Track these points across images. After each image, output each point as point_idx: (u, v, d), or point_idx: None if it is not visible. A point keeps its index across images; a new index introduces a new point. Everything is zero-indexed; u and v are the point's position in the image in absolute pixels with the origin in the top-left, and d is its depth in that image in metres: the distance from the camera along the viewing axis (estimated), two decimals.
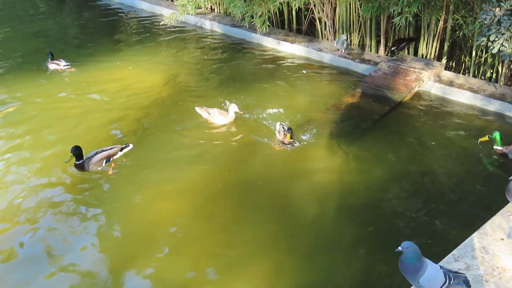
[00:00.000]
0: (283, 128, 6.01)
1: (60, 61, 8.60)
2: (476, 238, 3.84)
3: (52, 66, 8.55)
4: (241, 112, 6.54)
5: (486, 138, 5.58)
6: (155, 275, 4.15)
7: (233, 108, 6.47)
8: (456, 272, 3.26)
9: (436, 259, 3.69)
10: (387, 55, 8.63)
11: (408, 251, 3.17)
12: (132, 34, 10.58)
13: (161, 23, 10.35)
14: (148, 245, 4.50)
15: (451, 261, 3.61)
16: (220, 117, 6.53)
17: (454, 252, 3.71)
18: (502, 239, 3.82)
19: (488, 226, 3.95)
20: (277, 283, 4.07)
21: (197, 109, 6.69)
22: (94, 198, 5.16)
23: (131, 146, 5.87)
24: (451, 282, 3.19)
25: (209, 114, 6.57)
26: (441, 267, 3.23)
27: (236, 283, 4.09)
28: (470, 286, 3.24)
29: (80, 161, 5.45)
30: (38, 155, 5.90)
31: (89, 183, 5.42)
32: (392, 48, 8.15)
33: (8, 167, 5.64)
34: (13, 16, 12.28)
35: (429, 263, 3.19)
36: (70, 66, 8.59)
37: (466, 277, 3.25)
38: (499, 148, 5.49)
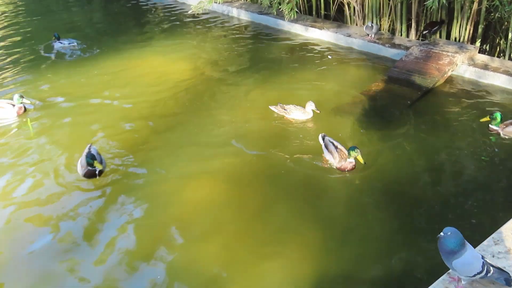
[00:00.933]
0: (333, 144, 5.33)
1: (66, 40, 9.14)
2: None
3: (57, 45, 9.11)
4: (318, 111, 6.18)
5: (487, 118, 5.73)
6: (186, 261, 4.20)
7: (310, 105, 6.23)
8: (499, 268, 3.16)
9: (475, 242, 3.64)
10: (418, 39, 8.46)
11: (450, 236, 3.11)
12: (160, 24, 10.67)
13: (188, 12, 10.41)
14: (180, 231, 4.56)
15: (491, 245, 3.55)
16: (298, 112, 6.26)
17: (493, 235, 3.64)
18: None
19: None
20: (308, 269, 4.07)
21: (272, 107, 6.46)
22: (126, 184, 5.25)
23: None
24: (488, 275, 3.11)
25: (285, 110, 6.33)
26: (483, 257, 3.14)
27: (266, 268, 4.12)
28: (511, 285, 3.13)
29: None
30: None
31: (119, 171, 5.52)
32: (424, 32, 7.99)
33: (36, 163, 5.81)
34: (42, 9, 12.56)
35: (470, 249, 3.13)
36: (75, 44, 9.10)
37: (510, 275, 3.14)
38: (495, 128, 5.65)
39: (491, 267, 3.12)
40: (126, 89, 7.50)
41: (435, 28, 7.92)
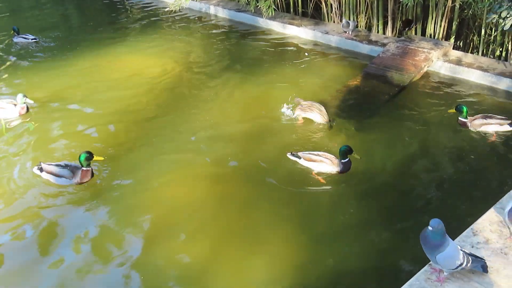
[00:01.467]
0: (313, 154, 5.20)
1: (27, 35, 9.07)
2: (493, 212, 3.86)
3: (18, 39, 9.06)
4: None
5: (453, 110, 5.89)
6: (171, 260, 4.17)
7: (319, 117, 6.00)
8: (476, 256, 3.23)
9: (454, 233, 3.73)
10: (394, 36, 8.58)
11: (437, 228, 3.12)
12: (136, 22, 10.52)
13: (165, 10, 10.31)
14: (163, 232, 4.50)
15: (469, 235, 3.64)
16: (316, 115, 6.04)
17: (472, 226, 3.73)
18: None
19: (505, 200, 3.98)
20: (292, 264, 4.10)
21: (284, 107, 6.30)
22: (104, 187, 5.15)
23: None
24: (468, 265, 3.17)
25: (301, 106, 6.10)
26: (461, 248, 3.19)
27: (251, 264, 4.12)
28: (488, 271, 3.23)
29: None
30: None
31: (104, 171, 5.44)
32: (402, 30, 8.14)
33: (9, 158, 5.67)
34: (14, 6, 12.23)
35: (450, 241, 3.17)
36: (37, 40, 9.06)
37: (485, 262, 3.23)
38: (463, 120, 5.81)
39: (469, 256, 3.19)
40: (98, 89, 7.33)
41: (410, 26, 8.06)
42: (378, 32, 8.76)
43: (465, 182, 5.00)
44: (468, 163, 5.31)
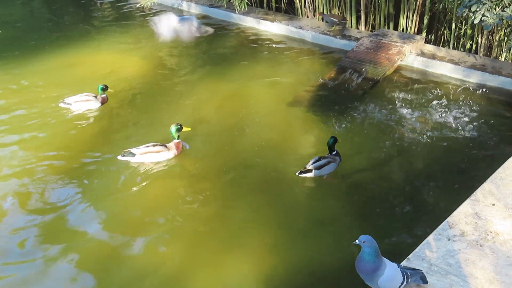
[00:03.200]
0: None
1: None
2: (468, 205, 3.90)
3: None
4: None
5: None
6: (146, 263, 4.08)
7: None
8: (413, 269, 3.11)
9: (431, 227, 3.76)
10: (368, 30, 8.62)
11: (365, 245, 2.95)
12: (106, 19, 10.26)
13: (136, 6, 10.09)
14: (137, 236, 4.40)
15: (446, 228, 3.67)
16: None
17: (448, 219, 3.76)
18: (493, 205, 3.89)
19: (479, 192, 4.02)
20: (271, 262, 4.06)
21: None
22: (77, 193, 5.01)
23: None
24: (409, 281, 3.03)
25: None
26: (398, 265, 3.05)
27: (229, 263, 4.07)
28: (427, 282, 3.12)
29: None
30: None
31: (78, 170, 5.28)
32: (342, 21, 8.45)
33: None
34: None
35: (387, 262, 3.02)
36: None
37: (423, 273, 3.11)
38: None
39: (407, 272, 3.04)
40: (67, 89, 7.04)
41: (345, 21, 8.43)
42: (351, 27, 8.78)
43: (440, 175, 5.05)
44: (441, 156, 5.37)
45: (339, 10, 8.82)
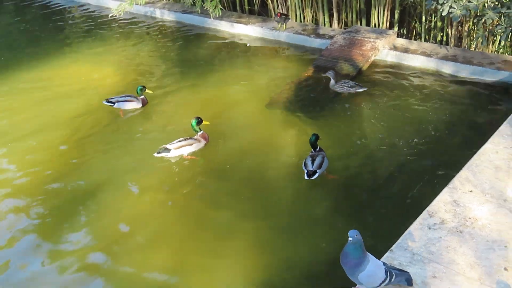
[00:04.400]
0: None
1: None
2: (446, 193, 3.99)
3: None
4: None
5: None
6: (133, 270, 4.07)
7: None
8: (399, 270, 3.11)
9: (412, 216, 3.82)
10: (341, 28, 8.73)
11: (357, 238, 2.91)
12: (79, 30, 10.17)
13: (109, 16, 10.00)
14: (122, 245, 4.38)
15: (426, 218, 3.74)
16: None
17: (428, 208, 3.84)
18: (471, 191, 3.98)
19: (456, 180, 4.11)
20: (257, 263, 4.08)
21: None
22: (59, 204, 4.96)
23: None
24: (392, 280, 2.99)
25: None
26: (384, 263, 3.05)
27: (216, 266, 4.08)
28: (412, 284, 3.10)
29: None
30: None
31: (64, 178, 5.23)
32: (276, 19, 8.66)
33: None
34: None
35: (371, 258, 3.00)
36: None
37: (409, 274, 3.11)
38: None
39: (392, 271, 3.02)
40: (45, 105, 7.00)
41: (282, 18, 8.55)
42: (325, 25, 8.88)
43: (418, 167, 5.15)
44: (418, 151, 5.46)
45: (311, 9, 8.91)
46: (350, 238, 2.89)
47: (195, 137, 5.62)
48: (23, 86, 7.61)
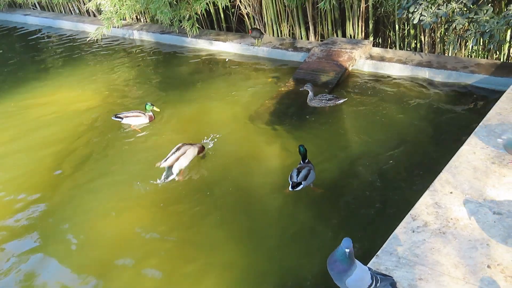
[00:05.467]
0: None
1: None
2: (428, 196, 4.06)
3: None
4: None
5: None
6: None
7: None
8: (384, 275, 3.16)
9: (397, 220, 3.88)
10: (317, 40, 8.89)
11: (342, 246, 2.91)
12: (57, 55, 10.16)
13: (87, 40, 10.04)
14: (115, 260, 4.38)
15: (409, 221, 3.80)
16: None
17: (411, 212, 3.90)
18: (451, 193, 4.06)
19: (436, 183, 4.19)
20: (246, 275, 4.10)
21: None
22: (47, 228, 4.93)
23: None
24: (378, 285, 3.02)
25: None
26: (369, 268, 3.09)
27: (207, 280, 4.08)
28: None
29: None
30: None
31: (51, 198, 5.18)
32: (252, 36, 8.75)
33: None
34: None
35: (358, 264, 3.03)
36: None
37: (393, 279, 3.16)
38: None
39: (377, 276, 3.05)
40: (31, 134, 6.97)
41: (256, 33, 8.67)
42: (302, 38, 9.03)
43: (399, 172, 5.23)
44: (399, 156, 5.56)
45: (287, 23, 9.07)
46: (346, 250, 2.88)
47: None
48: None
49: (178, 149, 5.46)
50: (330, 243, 4.27)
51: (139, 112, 6.75)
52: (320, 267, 4.05)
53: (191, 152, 5.50)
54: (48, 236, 4.81)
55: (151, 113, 6.77)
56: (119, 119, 6.70)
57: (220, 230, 4.65)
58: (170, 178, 5.35)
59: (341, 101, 6.57)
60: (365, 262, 3.48)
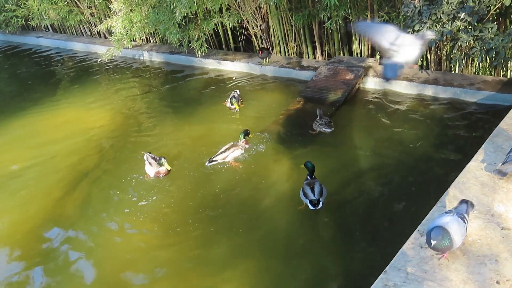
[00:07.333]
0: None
1: None
2: (436, 211, 4.06)
3: None
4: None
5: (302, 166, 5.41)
6: None
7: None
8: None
9: (404, 236, 3.88)
10: (324, 59, 9.00)
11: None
12: (70, 77, 10.36)
13: (98, 61, 10.26)
14: (123, 279, 4.42)
15: (417, 237, 3.80)
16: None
17: (418, 228, 3.90)
18: None
19: (445, 198, 4.20)
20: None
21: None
22: (52, 252, 5.00)
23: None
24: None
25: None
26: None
27: None
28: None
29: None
30: None
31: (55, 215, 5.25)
32: (260, 56, 8.93)
33: None
34: None
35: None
36: None
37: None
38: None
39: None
40: (42, 152, 7.10)
41: (265, 53, 8.83)
42: (308, 57, 9.15)
43: (407, 188, 5.25)
44: (407, 173, 5.58)
45: (294, 43, 9.20)
46: (433, 241, 3.30)
47: (238, 143, 6.28)
48: (15, 136, 7.75)
49: (227, 149, 6.12)
50: (338, 259, 4.28)
51: (151, 159, 6.11)
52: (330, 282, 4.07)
53: (238, 152, 6.14)
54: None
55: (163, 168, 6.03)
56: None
57: (227, 249, 4.68)
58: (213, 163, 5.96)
59: (328, 130, 6.50)
60: (373, 278, 3.50)
